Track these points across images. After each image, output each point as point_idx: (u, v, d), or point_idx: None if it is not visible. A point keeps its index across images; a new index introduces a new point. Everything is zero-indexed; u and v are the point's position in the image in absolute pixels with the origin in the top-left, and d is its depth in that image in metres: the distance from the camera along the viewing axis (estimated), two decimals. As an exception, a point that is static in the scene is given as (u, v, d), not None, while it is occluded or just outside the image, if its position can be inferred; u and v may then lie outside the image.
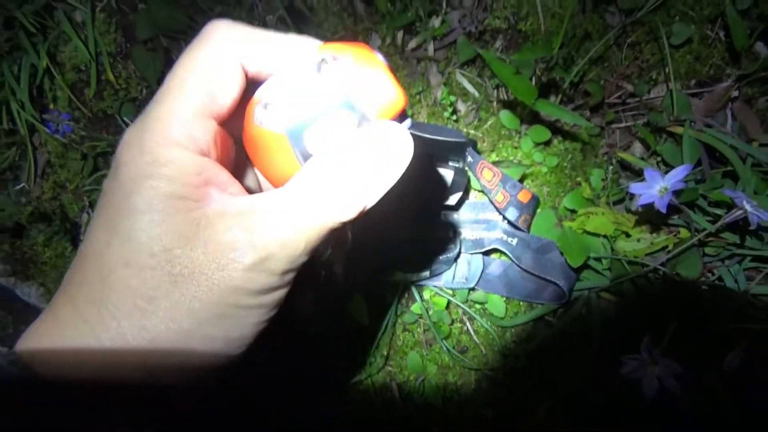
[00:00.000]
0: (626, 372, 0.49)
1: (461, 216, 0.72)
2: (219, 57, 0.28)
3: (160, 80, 0.74)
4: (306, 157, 0.27)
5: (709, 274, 0.64)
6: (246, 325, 0.27)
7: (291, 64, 0.28)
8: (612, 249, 0.64)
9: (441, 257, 0.69)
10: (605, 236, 0.64)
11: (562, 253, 0.64)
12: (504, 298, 0.71)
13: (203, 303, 0.25)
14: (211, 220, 0.26)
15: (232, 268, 0.25)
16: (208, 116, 0.27)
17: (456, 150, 0.68)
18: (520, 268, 0.67)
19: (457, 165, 0.69)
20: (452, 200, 0.68)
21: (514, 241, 0.67)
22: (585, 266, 0.67)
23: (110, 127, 0.79)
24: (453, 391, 0.72)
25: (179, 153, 0.26)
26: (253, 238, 0.25)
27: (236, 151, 0.32)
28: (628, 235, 0.63)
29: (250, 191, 0.31)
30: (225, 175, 0.28)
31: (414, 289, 0.71)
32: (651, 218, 0.63)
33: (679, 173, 0.50)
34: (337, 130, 0.27)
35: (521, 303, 0.71)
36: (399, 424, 0.72)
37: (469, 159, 0.68)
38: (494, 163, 0.67)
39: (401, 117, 0.28)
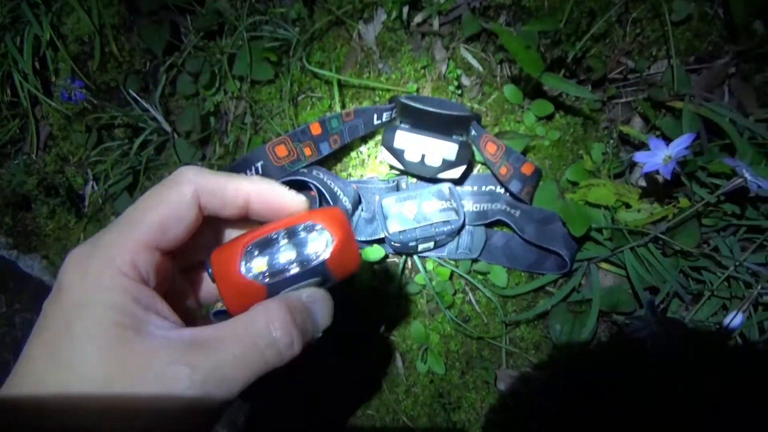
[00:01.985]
0: (630, 332, 0.51)
1: (465, 188, 0.73)
2: (178, 198, 0.30)
3: (165, 52, 0.74)
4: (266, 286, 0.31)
5: (705, 245, 0.66)
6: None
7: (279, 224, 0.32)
8: (613, 220, 0.66)
9: (445, 229, 0.71)
10: (606, 207, 0.66)
11: (564, 224, 0.65)
12: (506, 269, 0.73)
13: (148, 421, 0.26)
14: (153, 352, 0.26)
15: (176, 406, 0.26)
16: (154, 248, 0.29)
17: (460, 124, 0.69)
18: (523, 239, 0.69)
19: (461, 138, 0.70)
20: (456, 173, 0.69)
21: (517, 213, 0.69)
22: (586, 237, 0.69)
23: (114, 99, 0.79)
24: (455, 359, 0.74)
25: (121, 281, 0.27)
26: (195, 375, 0.26)
27: (177, 279, 0.34)
28: (628, 207, 0.65)
29: (188, 315, 0.34)
30: (163, 305, 0.29)
31: (417, 260, 0.73)
32: (652, 189, 0.65)
33: (683, 142, 0.51)
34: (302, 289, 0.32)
35: (523, 273, 0.73)
36: (403, 392, 0.74)
37: (473, 132, 0.70)
38: (497, 136, 0.68)
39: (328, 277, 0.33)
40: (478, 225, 0.72)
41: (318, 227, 0.31)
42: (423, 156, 0.69)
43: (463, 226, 0.71)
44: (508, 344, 0.73)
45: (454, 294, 0.73)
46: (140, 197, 0.30)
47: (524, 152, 0.71)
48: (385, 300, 0.72)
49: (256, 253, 0.30)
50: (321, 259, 0.31)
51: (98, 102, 0.76)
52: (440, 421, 0.73)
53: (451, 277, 0.73)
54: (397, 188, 0.73)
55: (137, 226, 0.29)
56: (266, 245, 0.31)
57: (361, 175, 0.75)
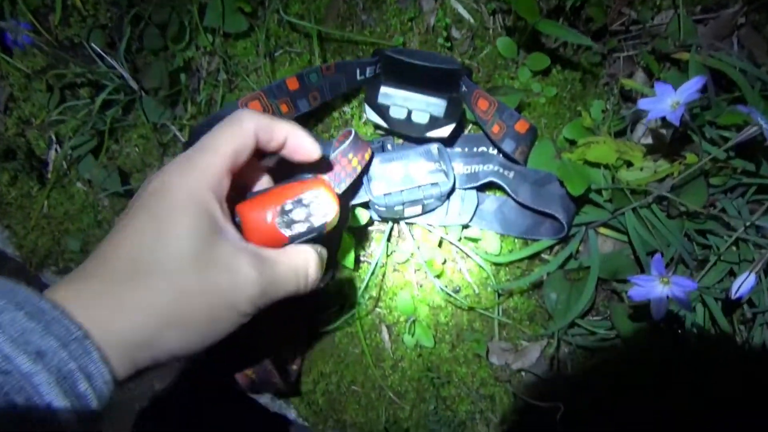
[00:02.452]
0: (633, 295, 0.47)
1: (455, 150, 0.68)
2: (245, 132, 0.38)
3: (130, 5, 0.68)
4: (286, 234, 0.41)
5: (711, 207, 0.62)
6: (225, 329, 0.35)
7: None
8: (613, 179, 0.61)
9: (433, 192, 0.66)
10: (607, 167, 0.62)
11: (561, 185, 0.61)
12: (499, 235, 0.68)
13: (211, 307, 0.34)
14: (234, 253, 0.35)
15: (239, 294, 0.35)
16: (230, 172, 0.37)
17: (449, 78, 0.64)
18: (517, 202, 0.64)
19: (450, 95, 0.65)
20: (445, 131, 0.64)
21: (511, 174, 0.64)
22: (584, 200, 0.64)
23: (78, 56, 0.73)
24: (445, 331, 0.69)
25: (212, 195, 0.35)
26: (260, 278, 0.36)
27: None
28: (630, 165, 0.61)
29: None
30: (232, 224, 0.38)
31: (405, 227, 0.68)
32: (656, 147, 0.60)
33: (692, 85, 0.47)
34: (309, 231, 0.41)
35: (517, 240, 0.68)
36: (389, 366, 0.70)
37: (464, 88, 0.64)
38: (489, 92, 0.63)
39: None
40: (469, 188, 0.67)
41: (322, 195, 0.41)
42: (409, 113, 0.64)
43: (453, 189, 0.66)
44: (500, 315, 0.68)
45: (444, 263, 0.69)
46: (213, 131, 0.38)
47: (518, 109, 0.66)
48: (370, 269, 0.68)
49: (280, 211, 0.40)
50: (323, 221, 0.41)
51: (60, 57, 0.70)
52: (429, 397, 0.69)
53: (440, 245, 0.69)
54: (383, 149, 0.68)
55: (221, 154, 0.36)
56: (286, 210, 0.40)
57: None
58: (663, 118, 0.62)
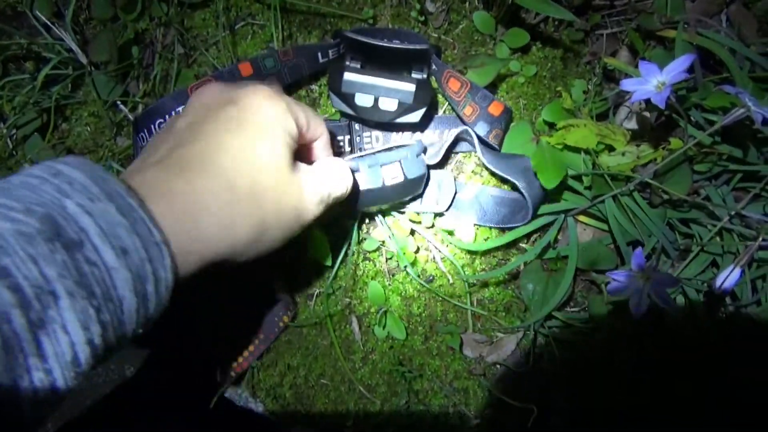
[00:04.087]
0: (612, 290, 0.44)
1: (426, 135, 0.64)
2: (312, 114, 0.45)
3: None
4: None
5: (695, 195, 0.59)
6: (282, 237, 0.40)
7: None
8: (594, 165, 0.58)
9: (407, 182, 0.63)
10: (587, 152, 0.58)
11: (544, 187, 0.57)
12: (475, 225, 0.65)
13: (280, 211, 0.39)
14: (305, 171, 0.42)
15: (308, 201, 0.41)
16: (302, 138, 0.44)
17: (417, 58, 0.60)
18: (488, 170, 0.61)
19: (419, 76, 0.61)
20: (415, 117, 0.60)
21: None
22: (563, 186, 0.61)
23: (22, 27, 0.67)
24: (417, 323, 0.66)
25: (296, 129, 0.41)
26: (323, 191, 0.43)
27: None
28: (612, 150, 0.57)
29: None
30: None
31: (376, 215, 0.64)
32: (639, 132, 0.57)
33: (679, 64, 0.43)
34: None
35: (492, 229, 0.65)
36: (360, 359, 0.67)
37: (434, 68, 0.60)
38: (465, 62, 0.59)
39: None
40: (437, 171, 0.63)
41: None
42: (376, 100, 0.59)
43: (427, 179, 0.63)
44: (475, 306, 0.65)
45: (417, 251, 0.65)
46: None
47: (495, 85, 0.62)
48: (339, 258, 0.64)
49: None
50: None
51: (1, 28, 0.64)
52: (401, 390, 0.66)
53: (412, 233, 0.65)
54: (349, 129, 0.64)
55: (301, 110, 0.43)
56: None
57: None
58: (647, 100, 0.59)
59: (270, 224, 0.37)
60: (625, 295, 0.44)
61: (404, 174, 0.56)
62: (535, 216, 0.60)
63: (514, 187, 0.60)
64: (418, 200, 0.63)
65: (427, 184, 0.63)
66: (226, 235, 0.35)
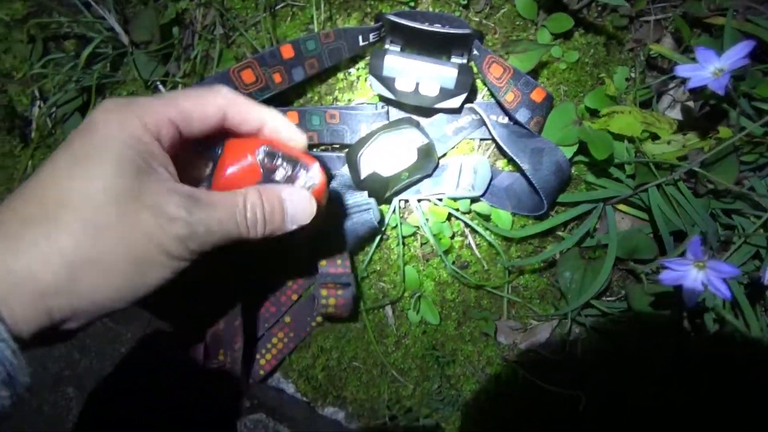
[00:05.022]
0: (666, 278, 0.43)
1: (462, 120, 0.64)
2: (210, 101, 0.37)
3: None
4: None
5: (740, 186, 0.58)
6: (157, 274, 0.33)
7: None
8: (637, 153, 0.57)
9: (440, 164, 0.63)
10: (630, 140, 0.58)
11: (558, 168, 0.57)
12: (511, 213, 0.64)
13: (134, 247, 0.32)
14: (160, 191, 0.33)
15: (166, 233, 0.33)
16: (176, 127, 0.36)
17: (459, 43, 0.59)
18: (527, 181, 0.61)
19: (460, 61, 0.60)
20: (456, 102, 0.60)
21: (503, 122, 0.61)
22: (603, 173, 0.61)
23: (63, 5, 0.67)
24: (451, 308, 0.66)
25: (147, 135, 0.34)
26: (190, 218, 0.33)
27: (191, 164, 0.42)
28: (656, 138, 0.57)
29: None
30: (172, 168, 0.35)
31: (413, 200, 0.64)
32: (685, 122, 0.56)
33: (739, 50, 0.42)
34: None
35: (529, 217, 0.65)
36: (393, 343, 0.67)
37: (475, 53, 0.60)
38: (506, 47, 0.59)
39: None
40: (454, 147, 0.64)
41: (315, 171, 0.40)
42: (417, 84, 0.59)
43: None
44: (510, 293, 0.65)
45: (452, 237, 0.65)
46: (190, 88, 0.39)
47: (536, 72, 0.61)
48: (374, 242, 0.64)
49: (269, 153, 0.39)
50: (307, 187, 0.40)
51: (43, 5, 0.65)
52: (433, 375, 0.67)
53: (448, 219, 0.65)
54: (387, 115, 0.64)
55: (171, 105, 0.35)
56: (276, 157, 0.39)
57: (349, 100, 0.66)
58: (692, 89, 0.58)
59: (123, 270, 0.32)
60: (677, 285, 0.43)
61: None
62: (552, 205, 0.60)
63: (521, 171, 0.60)
64: (454, 184, 0.63)
65: (462, 168, 0.63)
66: (68, 289, 0.30)
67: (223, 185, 0.38)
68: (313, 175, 0.40)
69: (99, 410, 0.69)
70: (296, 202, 0.38)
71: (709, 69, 0.44)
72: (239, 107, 0.38)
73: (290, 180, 0.40)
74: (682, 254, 0.43)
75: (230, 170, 0.38)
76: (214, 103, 0.37)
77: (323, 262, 0.61)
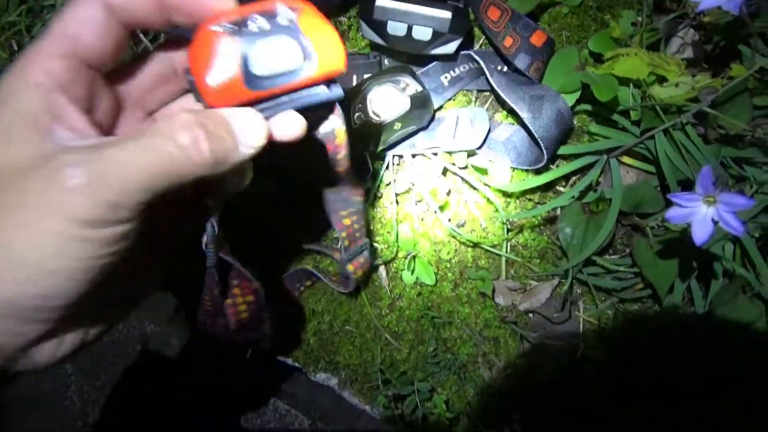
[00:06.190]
0: (673, 217, 0.40)
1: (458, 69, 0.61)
2: (81, 3, 0.28)
3: None
4: (248, 74, 0.28)
5: (753, 132, 0.55)
6: (80, 258, 0.25)
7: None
8: (643, 98, 0.54)
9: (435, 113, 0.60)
10: (636, 85, 0.54)
11: (560, 120, 0.54)
12: (510, 168, 0.61)
13: (34, 230, 0.24)
14: (49, 153, 0.25)
15: (65, 191, 0.24)
16: (71, 57, 0.28)
17: (456, -16, 0.56)
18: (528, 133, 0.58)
19: (456, 3, 0.57)
20: (450, 48, 0.57)
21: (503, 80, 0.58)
22: (607, 122, 0.57)
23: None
24: (447, 269, 0.63)
25: (31, 89, 0.27)
26: (90, 162, 0.25)
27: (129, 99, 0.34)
28: (663, 81, 0.53)
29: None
30: (78, 117, 0.28)
31: (406, 155, 0.61)
32: (693, 59, 0.53)
33: (755, -33, 0.39)
34: (279, 57, 0.29)
35: (528, 172, 0.62)
36: (387, 305, 0.64)
37: (472, -5, 0.57)
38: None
39: (329, 82, 0.31)
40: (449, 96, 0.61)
41: (297, 7, 0.29)
42: (409, 28, 0.56)
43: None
44: (508, 252, 0.62)
45: (448, 194, 0.62)
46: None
47: (535, 16, 0.58)
48: (366, 199, 0.61)
49: (237, 22, 0.28)
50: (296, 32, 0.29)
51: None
52: (428, 338, 0.64)
53: (444, 174, 0.62)
54: (380, 65, 0.61)
55: (51, 37, 0.28)
56: (247, 23, 0.28)
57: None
58: (701, 27, 0.55)
59: (25, 258, 0.25)
60: (685, 223, 0.40)
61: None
62: (553, 156, 0.57)
63: (520, 121, 0.57)
64: (450, 136, 0.60)
65: (458, 120, 0.60)
66: None
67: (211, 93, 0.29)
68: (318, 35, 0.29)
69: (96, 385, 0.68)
70: (241, 119, 0.29)
71: (722, -10, 0.41)
72: None
73: (281, 57, 0.29)
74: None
75: (206, 81, 0.28)
76: (88, 3, 0.28)
77: (346, 240, 0.54)
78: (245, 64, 0.28)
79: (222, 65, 0.28)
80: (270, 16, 0.28)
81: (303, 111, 0.31)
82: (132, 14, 0.29)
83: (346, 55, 0.30)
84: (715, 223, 0.39)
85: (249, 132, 0.29)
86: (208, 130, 0.27)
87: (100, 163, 0.25)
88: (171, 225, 0.37)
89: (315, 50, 0.29)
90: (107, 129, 0.32)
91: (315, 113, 0.33)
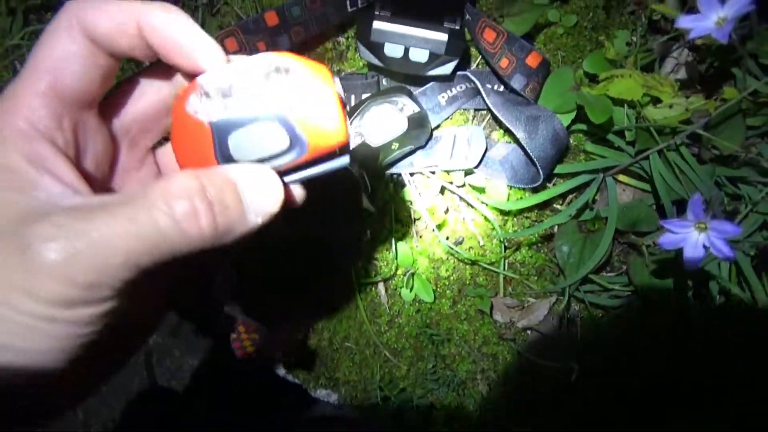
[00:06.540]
0: (665, 242, 0.41)
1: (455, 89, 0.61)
2: (60, 32, 0.24)
3: None
4: (225, 158, 0.25)
5: (747, 152, 0.55)
6: (52, 338, 0.22)
7: (240, 64, 0.25)
8: (638, 119, 0.54)
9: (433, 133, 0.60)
10: (631, 105, 0.55)
11: (556, 140, 0.55)
12: (507, 186, 0.62)
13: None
14: (31, 216, 0.22)
15: (36, 269, 0.20)
16: (53, 96, 0.24)
17: (452, 7, 0.57)
18: (526, 155, 0.58)
19: (452, 26, 0.58)
20: (447, 69, 0.57)
21: (498, 90, 0.58)
22: (603, 141, 0.58)
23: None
24: (445, 286, 0.64)
25: (13, 137, 0.23)
26: (68, 237, 0.21)
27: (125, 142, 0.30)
28: (658, 102, 0.54)
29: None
30: (65, 167, 0.25)
31: (404, 174, 0.62)
32: (687, 80, 0.53)
33: (744, -3, 0.39)
34: (261, 144, 0.25)
35: (525, 190, 0.62)
36: (386, 322, 0.65)
37: (468, 17, 0.57)
38: (500, 8, 0.56)
39: (340, 151, 0.26)
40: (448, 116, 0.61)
41: (290, 69, 0.25)
42: (406, 50, 0.56)
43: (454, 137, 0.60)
44: (506, 269, 0.63)
45: (446, 212, 0.63)
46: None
47: (531, 37, 0.59)
48: (365, 218, 0.62)
49: (207, 87, 0.25)
50: (284, 103, 0.24)
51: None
52: (427, 355, 0.65)
53: (442, 192, 0.63)
54: (378, 85, 0.61)
55: (29, 73, 0.24)
56: (218, 82, 0.25)
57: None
58: (695, 48, 0.55)
59: None
60: (677, 248, 0.41)
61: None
62: (549, 175, 0.58)
63: (517, 141, 0.57)
64: (447, 155, 0.61)
65: (455, 139, 0.61)
66: None
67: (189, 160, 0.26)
68: (310, 91, 0.25)
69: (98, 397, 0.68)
70: (251, 180, 0.25)
71: (712, 18, 0.41)
72: (92, 16, 0.24)
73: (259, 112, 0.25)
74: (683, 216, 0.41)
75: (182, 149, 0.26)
76: (64, 33, 0.24)
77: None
78: (223, 149, 0.25)
79: (199, 150, 0.25)
80: (255, 86, 0.25)
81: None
82: (117, 45, 0.25)
83: (346, 128, 0.25)
84: (706, 248, 0.39)
85: (259, 196, 0.25)
86: (209, 200, 0.23)
87: (78, 239, 0.21)
88: (166, 282, 0.31)
89: (304, 131, 0.25)
90: (102, 174, 0.29)
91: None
